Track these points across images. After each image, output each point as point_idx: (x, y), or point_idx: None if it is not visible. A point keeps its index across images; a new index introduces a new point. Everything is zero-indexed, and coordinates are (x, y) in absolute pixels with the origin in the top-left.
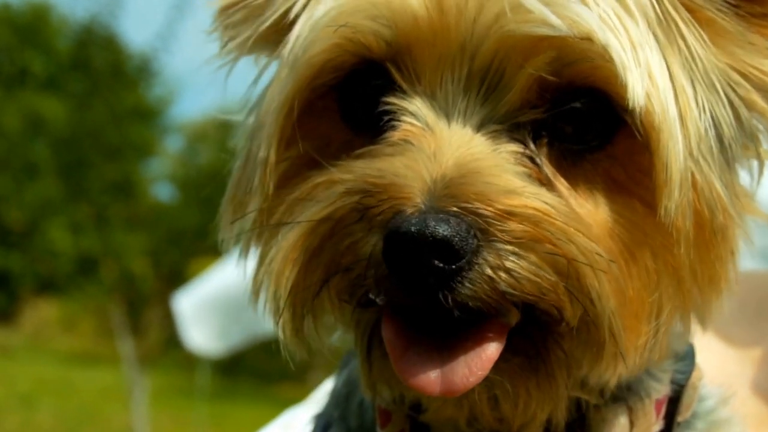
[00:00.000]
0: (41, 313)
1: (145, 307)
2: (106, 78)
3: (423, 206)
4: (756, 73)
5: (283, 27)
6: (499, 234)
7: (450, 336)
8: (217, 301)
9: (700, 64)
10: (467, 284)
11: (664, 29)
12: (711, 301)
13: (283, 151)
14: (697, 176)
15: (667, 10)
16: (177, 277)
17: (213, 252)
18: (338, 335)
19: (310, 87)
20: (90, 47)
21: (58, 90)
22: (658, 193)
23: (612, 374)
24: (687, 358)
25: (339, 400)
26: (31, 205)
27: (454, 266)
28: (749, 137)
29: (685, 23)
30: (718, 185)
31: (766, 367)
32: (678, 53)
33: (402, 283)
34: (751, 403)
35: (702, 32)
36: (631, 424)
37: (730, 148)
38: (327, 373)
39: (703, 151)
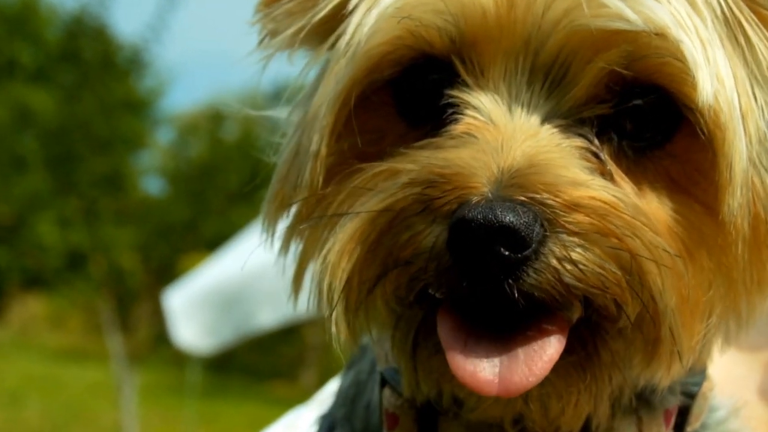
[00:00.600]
0: (29, 309)
1: (135, 303)
2: (96, 69)
3: (490, 195)
4: None
5: (338, 18)
6: (565, 225)
7: (510, 332)
8: (209, 298)
9: (761, 65)
10: (532, 274)
11: (729, 28)
12: (756, 303)
13: (334, 143)
14: (755, 178)
15: (732, 8)
16: (167, 273)
17: (204, 247)
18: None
19: (367, 80)
20: (80, 38)
21: (47, 82)
22: (721, 192)
23: (665, 374)
24: (698, 368)
25: (345, 401)
26: (19, 198)
27: (520, 255)
28: None
29: (749, 22)
30: None
31: (764, 377)
32: (741, 52)
33: (466, 273)
34: (757, 407)
35: (765, 33)
36: None
37: None
38: (318, 372)
39: (761, 153)
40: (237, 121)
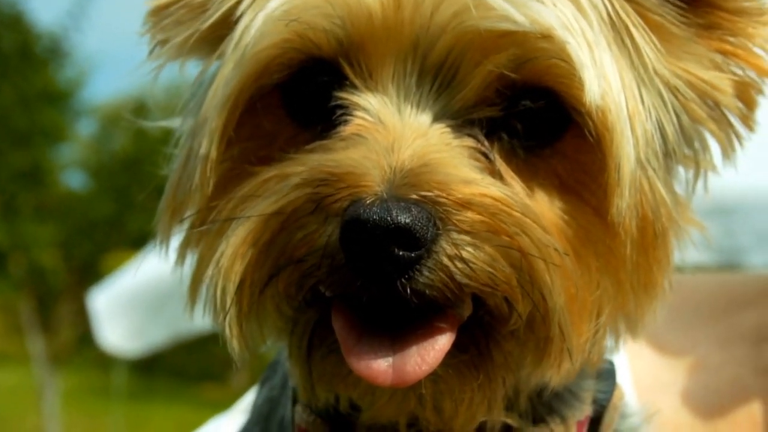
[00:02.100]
0: None
1: (56, 303)
2: (14, 60)
3: (384, 194)
4: (697, 82)
5: (227, 25)
6: (457, 223)
7: (401, 327)
8: (137, 298)
9: (647, 68)
10: (425, 273)
11: (615, 31)
12: (645, 306)
13: (225, 150)
14: (643, 180)
15: (618, 11)
16: (90, 271)
17: (129, 245)
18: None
19: (256, 84)
20: None
21: None
22: (610, 193)
23: (556, 373)
24: (608, 377)
25: (259, 418)
26: None
27: (413, 254)
28: (689, 145)
29: (635, 26)
30: (662, 189)
31: (696, 376)
32: (627, 55)
33: (359, 271)
34: (680, 413)
35: (651, 36)
36: None
37: (673, 154)
38: (250, 374)
39: (648, 155)
40: (163, 113)
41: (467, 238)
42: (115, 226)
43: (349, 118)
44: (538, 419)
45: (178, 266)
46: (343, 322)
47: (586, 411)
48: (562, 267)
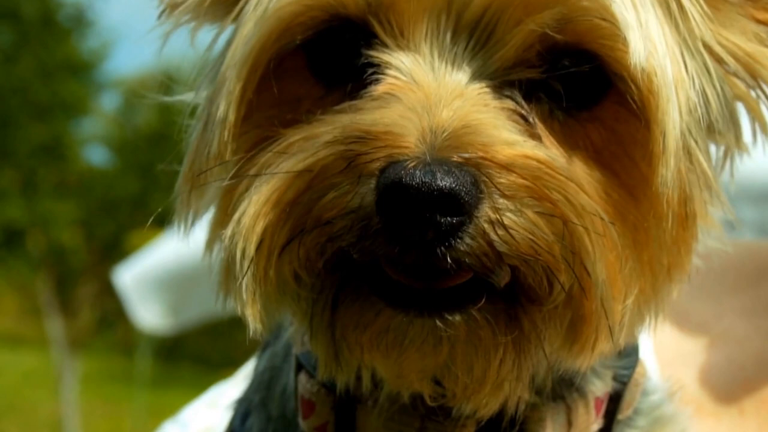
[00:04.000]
0: None
1: (76, 284)
2: (35, 28)
3: (426, 156)
4: (741, 54)
5: None
6: (498, 187)
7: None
8: (169, 275)
9: (693, 34)
10: (466, 239)
11: None
12: (668, 289)
13: (246, 116)
14: (683, 152)
15: None
16: (112, 251)
17: (154, 223)
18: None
19: (278, 44)
20: None
21: None
22: (654, 161)
23: (589, 356)
24: (630, 353)
25: (260, 386)
26: None
27: (455, 221)
28: (730, 120)
29: None
30: (703, 161)
31: (720, 348)
32: (672, 18)
33: (397, 238)
34: (692, 389)
35: (701, 3)
36: (570, 424)
37: (716, 125)
38: None
39: (691, 125)
40: (190, 87)
41: (509, 203)
42: (138, 205)
43: (380, 77)
44: (555, 395)
45: (208, 247)
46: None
47: (605, 388)
48: (606, 237)
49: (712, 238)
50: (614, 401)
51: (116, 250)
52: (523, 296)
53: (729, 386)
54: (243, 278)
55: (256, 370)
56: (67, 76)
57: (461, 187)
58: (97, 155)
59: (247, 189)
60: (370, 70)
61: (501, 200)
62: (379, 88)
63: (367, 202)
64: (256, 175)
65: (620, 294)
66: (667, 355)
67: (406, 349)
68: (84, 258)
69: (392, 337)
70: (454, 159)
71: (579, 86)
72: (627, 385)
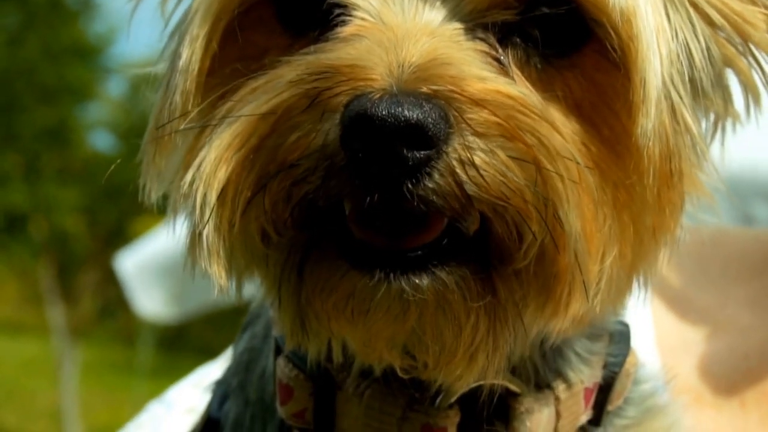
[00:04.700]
0: None
1: (79, 271)
2: (41, 10)
3: (393, 87)
4: (729, 13)
5: None
6: (470, 122)
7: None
8: (172, 262)
9: None
10: (435, 176)
11: None
12: (651, 254)
13: (211, 70)
14: (666, 104)
15: None
16: (116, 238)
17: (157, 211)
18: None
19: None
20: None
21: None
22: (635, 111)
23: (561, 318)
24: (621, 340)
25: (239, 368)
26: None
27: (423, 155)
28: (717, 84)
29: None
30: (688, 117)
31: (722, 338)
32: None
33: (362, 174)
34: (692, 378)
35: None
36: (558, 414)
37: (699, 85)
38: None
39: (674, 77)
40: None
41: (480, 141)
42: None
43: (347, 18)
44: (542, 384)
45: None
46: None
47: (595, 376)
48: (582, 185)
49: (703, 210)
50: (604, 391)
51: (120, 237)
52: (494, 256)
53: (730, 377)
54: (204, 227)
55: (235, 350)
56: (73, 59)
57: (429, 119)
58: (102, 140)
59: (209, 137)
60: (337, 12)
61: (471, 138)
62: (346, 30)
63: (331, 138)
64: (218, 125)
65: (597, 251)
66: (668, 343)
67: (372, 315)
68: (87, 245)
69: (357, 302)
70: (423, 90)
71: (557, 33)
72: (617, 375)
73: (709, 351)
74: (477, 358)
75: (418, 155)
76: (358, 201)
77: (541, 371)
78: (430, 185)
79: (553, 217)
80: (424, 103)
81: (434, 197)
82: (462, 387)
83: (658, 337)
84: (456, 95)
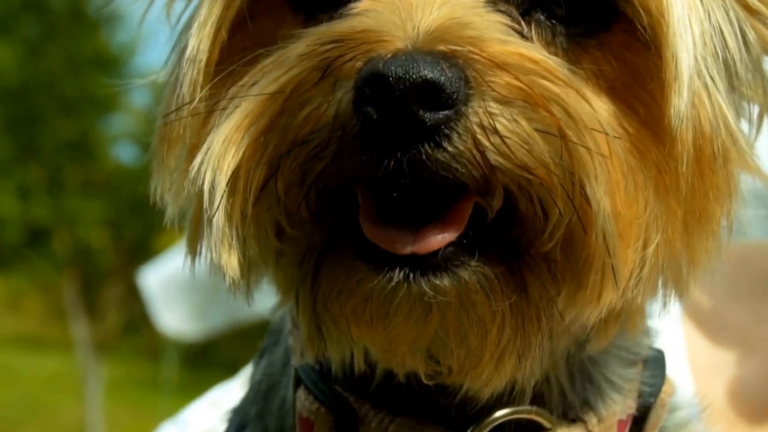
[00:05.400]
0: None
1: (103, 285)
2: (63, 20)
3: (409, 46)
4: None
5: None
6: (491, 85)
7: (424, 215)
8: (194, 278)
9: None
10: (454, 140)
11: None
12: (699, 246)
13: (219, 60)
14: (700, 86)
15: None
16: (140, 252)
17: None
18: None
19: None
20: None
21: (8, 34)
22: (667, 90)
23: (595, 307)
24: (656, 367)
25: (257, 397)
26: None
27: (440, 115)
28: (758, 72)
29: None
30: (722, 103)
31: (749, 363)
32: None
33: (375, 140)
34: (723, 403)
35: None
36: None
37: (734, 70)
38: None
39: (707, 59)
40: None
41: (502, 107)
42: None
43: None
44: (570, 413)
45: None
46: (362, 208)
47: (628, 407)
48: (612, 161)
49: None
50: (638, 423)
51: (144, 251)
52: (519, 239)
53: (763, 400)
54: (215, 214)
55: (252, 378)
56: (96, 70)
57: (446, 77)
58: (125, 153)
59: (217, 120)
60: None
61: (493, 103)
62: (359, 6)
63: (343, 106)
64: (226, 107)
65: (634, 236)
66: (699, 366)
67: (393, 319)
68: (111, 259)
69: (376, 306)
70: (440, 49)
71: (583, 10)
72: (653, 405)
73: (743, 373)
74: (505, 361)
75: (436, 116)
76: (372, 173)
77: (569, 397)
78: (450, 149)
79: (580, 195)
80: (441, 61)
81: (454, 164)
82: (489, 392)
83: (690, 357)
84: (476, 56)
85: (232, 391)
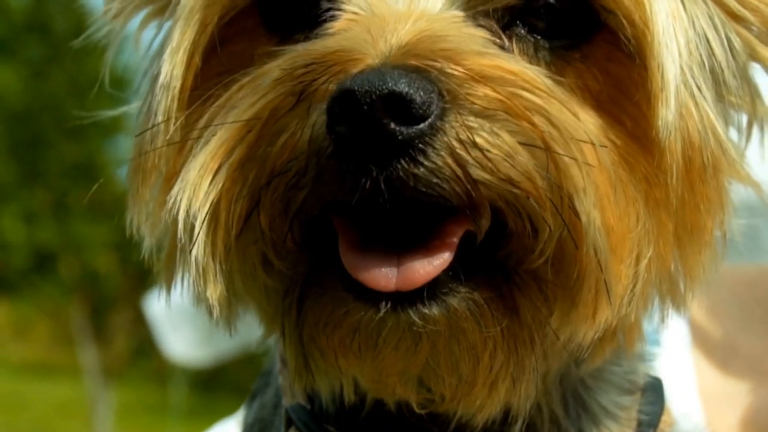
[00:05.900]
0: None
1: (111, 311)
2: (67, 42)
3: (377, 63)
4: (763, 7)
5: None
6: (469, 99)
7: (409, 244)
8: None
9: None
10: (431, 155)
11: None
12: (692, 259)
13: (194, 87)
14: (687, 96)
15: None
16: (148, 277)
17: None
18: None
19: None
20: (48, 6)
21: (12, 56)
22: (654, 101)
23: (590, 326)
24: (654, 395)
25: None
26: None
27: (413, 129)
28: (745, 80)
29: None
30: (710, 112)
31: (763, 393)
32: None
33: (349, 158)
34: None
35: None
36: None
37: (721, 77)
38: None
39: (693, 68)
40: None
41: (481, 120)
42: None
43: (337, 13)
44: None
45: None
46: (344, 238)
47: None
48: (600, 172)
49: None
50: None
51: (152, 276)
52: (510, 259)
53: None
54: (194, 246)
55: (245, 422)
56: (100, 93)
57: (413, 89)
58: None
59: (194, 148)
60: (326, 6)
61: (472, 117)
62: (335, 25)
63: (317, 129)
64: (200, 138)
65: (627, 251)
66: (709, 395)
67: (381, 350)
68: (119, 283)
69: (364, 337)
70: (411, 63)
71: (564, 22)
72: None
73: (756, 404)
74: (498, 386)
75: (409, 130)
76: (350, 196)
77: (563, 425)
78: (428, 164)
79: (568, 208)
80: (411, 74)
81: (436, 180)
82: (484, 418)
83: (701, 387)
84: (452, 69)
85: (233, 428)
